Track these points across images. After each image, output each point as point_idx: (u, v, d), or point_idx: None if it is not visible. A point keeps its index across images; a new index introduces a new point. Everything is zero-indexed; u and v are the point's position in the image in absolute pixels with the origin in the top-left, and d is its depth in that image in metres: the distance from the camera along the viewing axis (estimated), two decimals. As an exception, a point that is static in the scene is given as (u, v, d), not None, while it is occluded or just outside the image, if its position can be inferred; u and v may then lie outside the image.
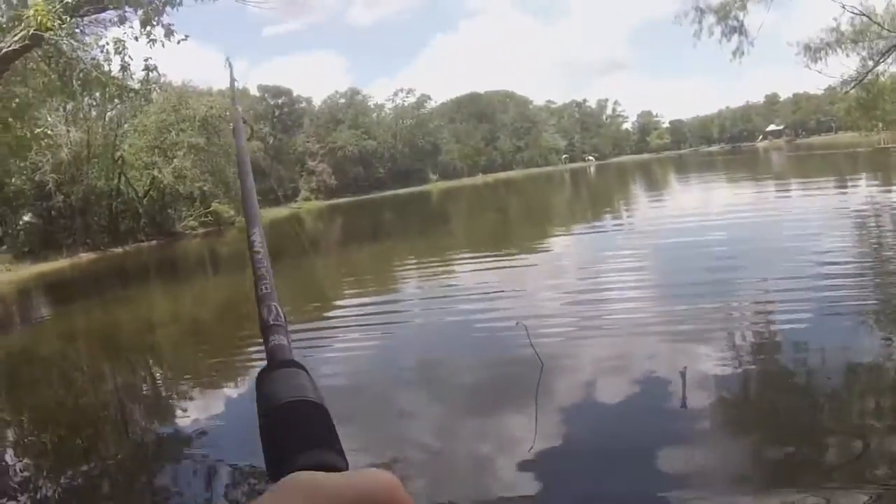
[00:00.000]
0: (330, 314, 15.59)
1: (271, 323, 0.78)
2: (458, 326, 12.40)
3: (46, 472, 7.96)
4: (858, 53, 37.89)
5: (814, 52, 37.76)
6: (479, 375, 9.36)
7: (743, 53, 32.74)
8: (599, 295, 13.46)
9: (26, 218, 44.81)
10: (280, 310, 0.80)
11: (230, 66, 2.49)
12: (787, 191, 33.87)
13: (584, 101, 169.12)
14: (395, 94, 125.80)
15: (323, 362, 10.90)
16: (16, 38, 15.37)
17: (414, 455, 6.93)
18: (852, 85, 39.00)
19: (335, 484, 0.51)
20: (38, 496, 7.23)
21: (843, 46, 36.91)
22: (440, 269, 20.43)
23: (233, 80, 2.08)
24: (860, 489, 5.12)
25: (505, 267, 18.79)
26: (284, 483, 0.51)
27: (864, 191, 28.46)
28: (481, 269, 18.65)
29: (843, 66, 39.10)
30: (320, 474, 0.52)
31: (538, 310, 12.43)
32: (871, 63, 38.00)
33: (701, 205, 31.78)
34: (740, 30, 32.24)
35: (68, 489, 7.31)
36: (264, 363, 0.72)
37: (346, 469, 0.60)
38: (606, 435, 6.89)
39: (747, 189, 37.60)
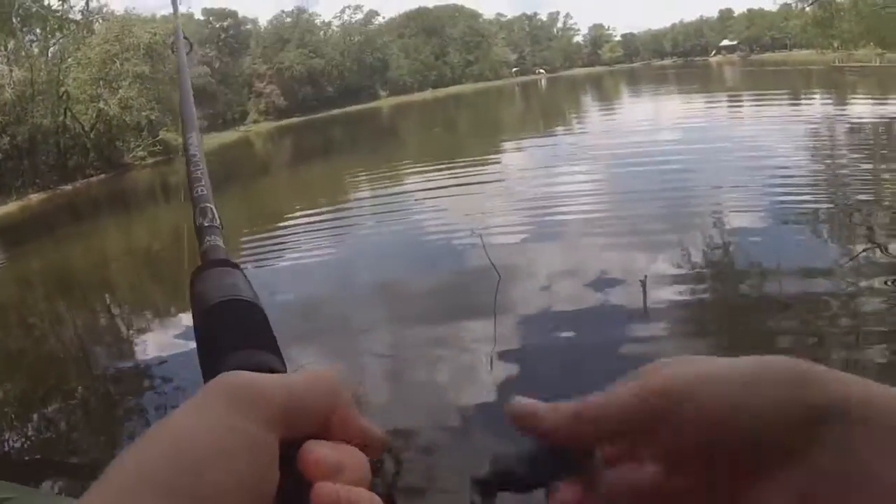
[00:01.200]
0: (281, 231, 16.25)
1: (206, 224, 0.79)
2: (410, 237, 13.23)
3: (9, 418, 8.11)
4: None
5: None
6: (433, 286, 10.10)
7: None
8: (550, 204, 14.32)
9: (-29, 163, 44.26)
10: (215, 211, 0.81)
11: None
12: (739, 105, 34.47)
13: (535, 14, 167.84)
14: (343, 11, 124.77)
15: (274, 276, 11.71)
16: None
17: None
18: (810, 2, 39.48)
19: (265, 384, 0.47)
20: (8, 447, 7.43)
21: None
22: (391, 184, 21.14)
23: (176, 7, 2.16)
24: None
25: (456, 182, 19.53)
26: (210, 384, 0.47)
27: (819, 108, 29.15)
28: (432, 184, 19.39)
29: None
30: (249, 374, 0.48)
31: (489, 220, 13.28)
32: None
33: (651, 117, 32.49)
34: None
35: (33, 434, 7.68)
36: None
37: (283, 368, 0.59)
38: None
39: (698, 102, 38.30)
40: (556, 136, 30.74)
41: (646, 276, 8.26)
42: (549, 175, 18.97)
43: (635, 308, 7.90)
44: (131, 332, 11.19)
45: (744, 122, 25.47)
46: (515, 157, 24.35)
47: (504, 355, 7.20)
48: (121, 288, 15.27)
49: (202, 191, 0.83)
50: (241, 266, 0.71)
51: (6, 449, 7.41)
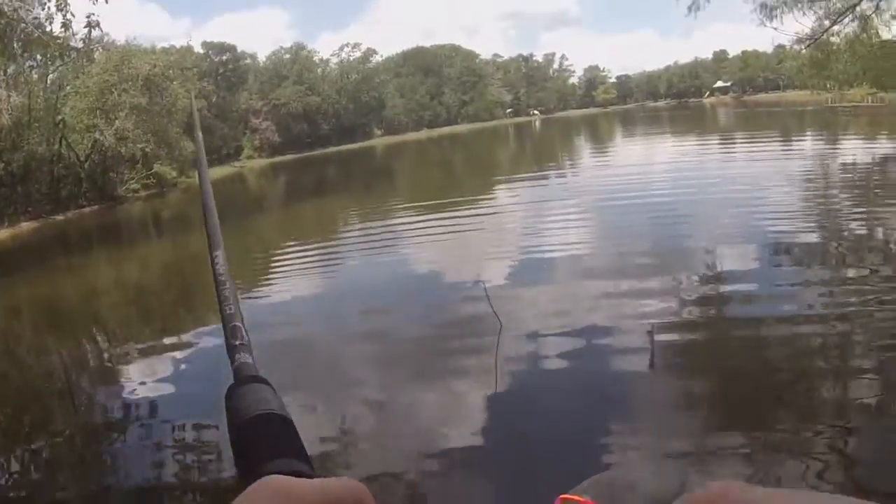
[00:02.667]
0: (273, 272, 16.19)
1: (237, 343, 0.82)
2: (401, 278, 13.18)
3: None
4: (815, 12, 38.41)
5: (770, 9, 38.19)
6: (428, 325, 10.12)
7: (699, 8, 33.13)
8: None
9: (-35, 189, 43.97)
10: (244, 330, 0.84)
11: (192, 100, 2.83)
12: (733, 149, 34.58)
13: (531, 55, 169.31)
14: (341, 48, 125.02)
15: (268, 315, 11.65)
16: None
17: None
18: (807, 44, 39.60)
19: (302, 487, 0.52)
20: None
21: (799, 5, 37.33)
22: (384, 223, 21.12)
23: (195, 110, 2.11)
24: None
25: (448, 223, 19.50)
26: (253, 487, 0.52)
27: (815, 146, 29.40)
28: (425, 226, 19.48)
29: (798, 23, 39.52)
30: (288, 478, 0.54)
31: (481, 265, 13.16)
32: (827, 23, 38.63)
33: (644, 159, 32.61)
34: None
35: (17, 469, 7.48)
36: (231, 382, 0.77)
37: (313, 475, 0.64)
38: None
39: (691, 144, 38.46)
40: (547, 178, 30.83)
41: (653, 326, 8.23)
42: (539, 217, 19.02)
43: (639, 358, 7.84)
44: (119, 367, 10.97)
45: (737, 162, 25.65)
46: (507, 198, 24.46)
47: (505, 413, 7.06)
48: (110, 322, 15.13)
49: (230, 310, 0.85)
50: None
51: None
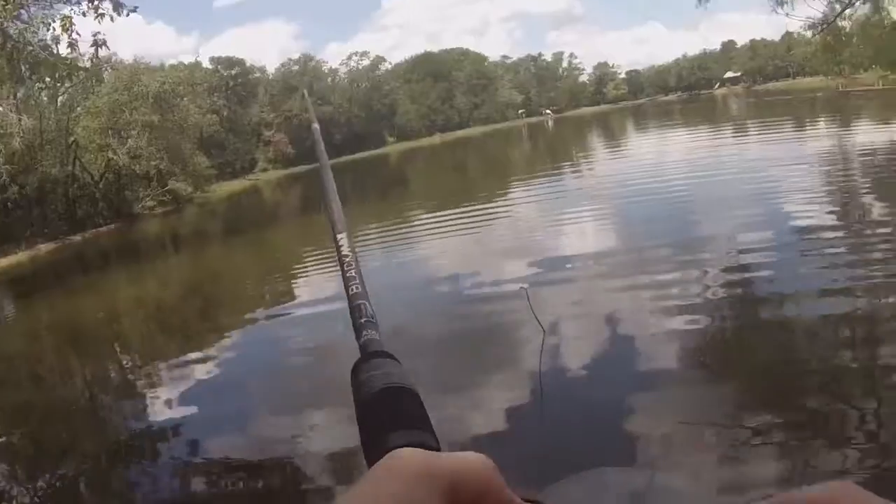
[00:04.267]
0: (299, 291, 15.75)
1: (363, 321, 0.84)
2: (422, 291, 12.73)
3: (19, 477, 7.94)
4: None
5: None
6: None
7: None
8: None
9: (-20, 213, 43.86)
10: (370, 307, 0.86)
11: (305, 96, 2.65)
12: (746, 139, 34.07)
13: (540, 55, 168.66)
14: (349, 57, 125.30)
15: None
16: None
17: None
18: (820, 28, 38.95)
19: (433, 462, 0.53)
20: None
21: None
22: (402, 230, 20.73)
23: (308, 102, 2.01)
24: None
25: (468, 228, 19.17)
26: (390, 460, 0.53)
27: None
28: (443, 230, 19.16)
29: (810, 8, 38.97)
30: (420, 451, 0.54)
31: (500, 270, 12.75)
32: (838, 6, 38.04)
33: (660, 153, 32.16)
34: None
35: (43, 495, 7.29)
36: (357, 356, 0.78)
37: (439, 448, 0.64)
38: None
39: (703, 136, 38.01)
40: (563, 176, 30.41)
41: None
42: (558, 219, 18.52)
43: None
44: (144, 389, 10.57)
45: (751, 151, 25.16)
46: (525, 200, 24.03)
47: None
48: (132, 342, 14.76)
49: (356, 289, 0.89)
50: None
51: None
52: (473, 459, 0.54)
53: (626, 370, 7.44)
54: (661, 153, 27.45)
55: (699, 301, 9.04)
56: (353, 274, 0.93)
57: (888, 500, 0.48)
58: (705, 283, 9.72)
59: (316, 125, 1.59)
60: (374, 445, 0.65)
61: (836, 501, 0.49)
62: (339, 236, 1.02)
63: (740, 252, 11.16)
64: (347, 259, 0.96)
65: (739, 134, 36.14)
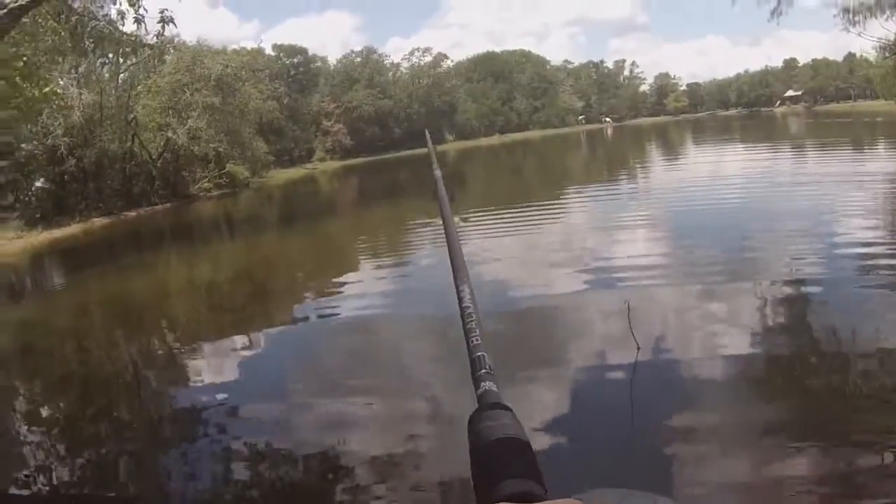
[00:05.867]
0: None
1: (482, 371, 0.86)
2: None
3: (65, 453, 7.73)
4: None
5: (852, 14, 36.41)
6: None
7: (781, 13, 31.57)
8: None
9: (38, 183, 43.72)
10: (488, 359, 0.88)
11: (429, 137, 2.87)
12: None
13: (602, 61, 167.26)
14: (412, 53, 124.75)
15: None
16: (23, -8, 14.50)
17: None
18: (894, 51, 37.65)
19: None
20: (54, 480, 6.94)
21: (882, 9, 35.54)
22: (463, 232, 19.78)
23: (431, 145, 2.36)
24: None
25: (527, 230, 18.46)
26: None
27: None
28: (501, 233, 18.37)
29: (883, 28, 37.76)
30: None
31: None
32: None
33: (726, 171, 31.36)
34: (779, -11, 30.99)
35: (85, 471, 7.13)
36: (475, 406, 0.81)
37: (545, 497, 0.68)
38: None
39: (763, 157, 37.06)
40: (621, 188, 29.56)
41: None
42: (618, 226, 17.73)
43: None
44: (190, 370, 10.41)
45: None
46: (584, 207, 23.32)
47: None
48: (181, 321, 14.17)
49: (476, 340, 0.92)
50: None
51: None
52: None
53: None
54: (746, 176, 26.46)
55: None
56: (474, 326, 0.95)
57: None
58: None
59: (438, 172, 1.70)
60: (485, 493, 0.69)
61: None
62: (461, 287, 1.06)
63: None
64: (469, 310, 0.99)
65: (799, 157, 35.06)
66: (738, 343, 7.91)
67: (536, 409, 6.70)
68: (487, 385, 0.82)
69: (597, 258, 13.68)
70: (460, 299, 1.01)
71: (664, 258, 12.90)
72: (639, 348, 7.71)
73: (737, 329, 8.41)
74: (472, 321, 0.95)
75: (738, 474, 5.24)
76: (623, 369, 7.51)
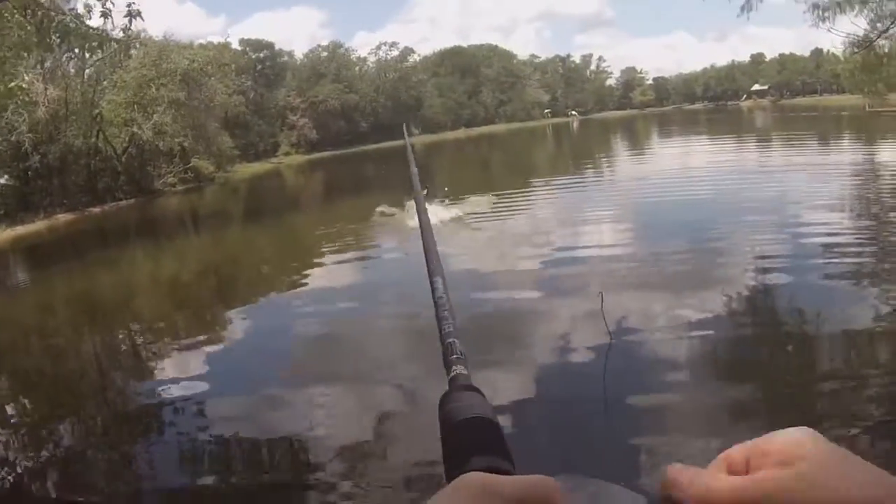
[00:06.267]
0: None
1: (454, 356, 0.89)
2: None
3: (27, 449, 7.86)
4: (868, 15, 37.03)
5: (822, 10, 36.86)
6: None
7: (751, 9, 31.87)
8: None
9: (2, 180, 43.69)
10: (459, 345, 0.91)
11: (407, 132, 3.32)
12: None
13: (569, 56, 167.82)
14: (378, 47, 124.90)
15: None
16: (-13, -15, 14.69)
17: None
18: (865, 46, 38.23)
19: (500, 483, 0.56)
20: (14, 477, 7.10)
21: (851, 6, 36.01)
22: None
23: (409, 142, 2.43)
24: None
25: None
26: (456, 482, 0.57)
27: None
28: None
29: (853, 24, 38.27)
30: (488, 475, 0.58)
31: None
32: (880, 25, 37.24)
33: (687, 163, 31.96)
34: (751, -17, 31.27)
35: (48, 465, 7.25)
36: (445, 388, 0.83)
37: (513, 472, 0.68)
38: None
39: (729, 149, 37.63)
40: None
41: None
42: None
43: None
44: (155, 365, 10.68)
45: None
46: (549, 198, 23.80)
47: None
48: (146, 317, 14.41)
49: (448, 328, 0.96)
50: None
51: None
52: (537, 482, 0.57)
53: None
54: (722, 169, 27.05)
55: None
56: (447, 315, 1.00)
57: (847, 450, 0.53)
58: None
59: (415, 169, 1.71)
60: (452, 470, 0.69)
61: (801, 444, 0.55)
62: (434, 279, 1.10)
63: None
64: (442, 300, 1.04)
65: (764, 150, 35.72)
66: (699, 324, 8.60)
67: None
68: (458, 369, 0.87)
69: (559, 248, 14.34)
70: (434, 290, 1.07)
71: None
72: (612, 340, 8.17)
73: (700, 312, 9.03)
74: (444, 310, 1.01)
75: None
76: (595, 351, 8.08)
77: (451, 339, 0.92)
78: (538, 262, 13.40)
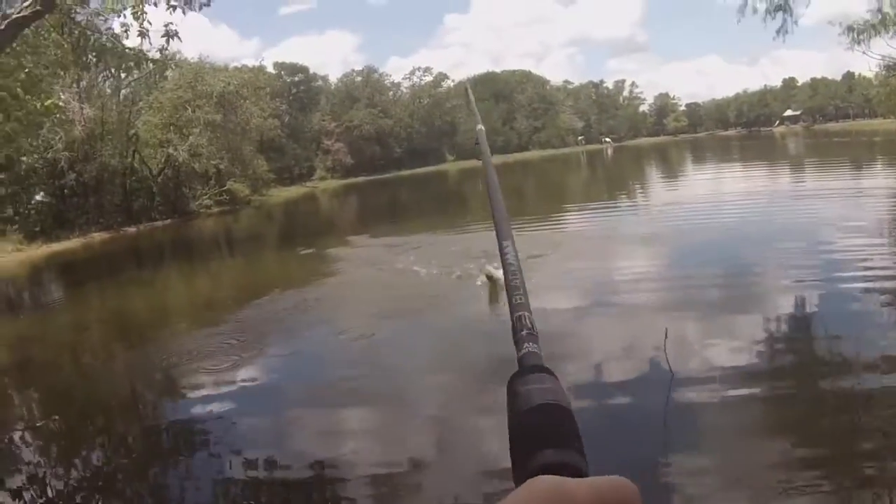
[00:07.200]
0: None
1: (524, 332, 0.82)
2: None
3: (57, 465, 7.68)
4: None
5: (857, 33, 36.24)
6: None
7: (787, 32, 31.25)
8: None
9: (38, 197, 43.83)
10: (531, 319, 0.84)
11: (468, 90, 2.85)
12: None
13: (602, 81, 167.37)
14: (412, 72, 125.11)
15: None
16: (26, 4, 14.32)
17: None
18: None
19: (573, 487, 0.54)
20: (49, 492, 6.90)
21: (886, 28, 35.43)
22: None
23: (471, 99, 2.25)
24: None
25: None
26: (529, 484, 0.55)
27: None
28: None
29: (889, 47, 37.65)
30: (563, 479, 0.56)
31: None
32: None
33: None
34: (785, 6, 30.68)
35: (79, 484, 7.04)
36: (515, 368, 0.77)
37: (586, 469, 0.64)
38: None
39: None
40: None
41: None
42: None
43: None
44: (187, 385, 10.31)
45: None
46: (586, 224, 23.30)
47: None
48: (180, 337, 13.83)
49: (520, 299, 0.89)
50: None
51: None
52: (614, 485, 0.55)
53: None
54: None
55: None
56: (518, 284, 0.92)
57: None
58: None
59: (481, 126, 1.62)
60: (522, 461, 0.66)
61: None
62: (504, 243, 1.02)
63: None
64: (512, 268, 0.95)
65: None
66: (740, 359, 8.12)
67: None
68: (529, 346, 0.78)
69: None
70: (503, 254, 0.97)
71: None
72: (672, 374, 7.62)
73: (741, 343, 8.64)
74: (515, 279, 0.91)
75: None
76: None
77: (521, 313, 0.85)
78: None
